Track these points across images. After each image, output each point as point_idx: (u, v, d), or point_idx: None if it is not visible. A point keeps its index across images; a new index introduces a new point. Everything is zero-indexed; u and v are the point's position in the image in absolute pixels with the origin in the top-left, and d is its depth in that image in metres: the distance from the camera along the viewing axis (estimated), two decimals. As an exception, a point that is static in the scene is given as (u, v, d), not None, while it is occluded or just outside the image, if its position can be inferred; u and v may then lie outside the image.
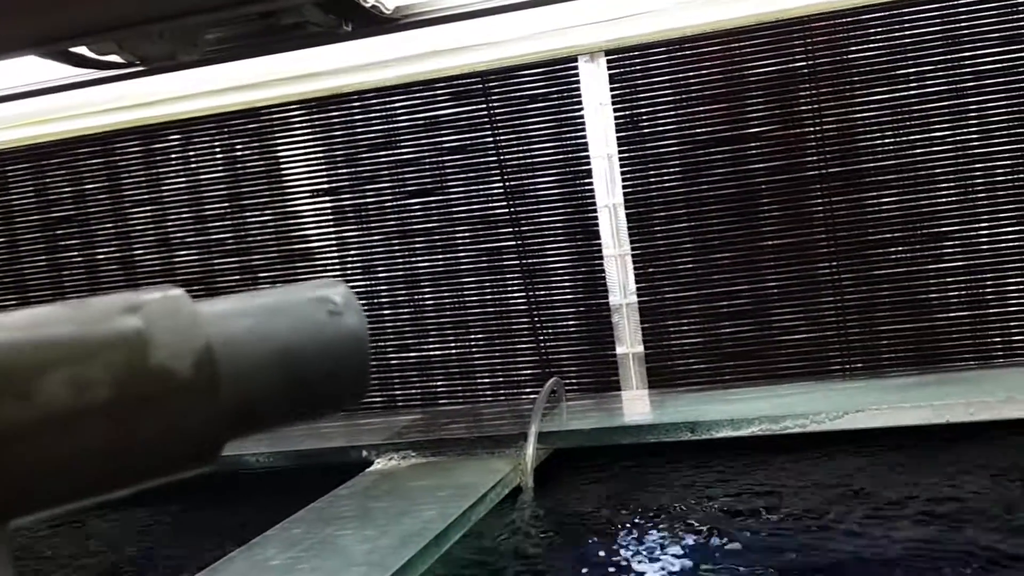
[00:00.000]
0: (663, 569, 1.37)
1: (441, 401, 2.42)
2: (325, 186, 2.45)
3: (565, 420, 2.03)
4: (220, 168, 2.51)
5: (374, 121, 2.39)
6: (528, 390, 2.33)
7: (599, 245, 2.28)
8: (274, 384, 0.38)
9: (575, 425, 1.97)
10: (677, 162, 2.22)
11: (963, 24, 2.04)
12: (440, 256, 2.38)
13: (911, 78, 2.08)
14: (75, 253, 2.61)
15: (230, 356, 0.37)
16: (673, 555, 1.41)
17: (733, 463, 1.83)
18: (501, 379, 2.38)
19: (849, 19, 2.09)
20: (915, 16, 2.06)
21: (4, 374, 0.30)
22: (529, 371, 2.36)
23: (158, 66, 1.40)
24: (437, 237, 2.38)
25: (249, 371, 0.37)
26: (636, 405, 2.19)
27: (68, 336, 0.32)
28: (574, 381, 2.32)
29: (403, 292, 2.42)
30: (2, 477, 0.31)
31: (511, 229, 2.32)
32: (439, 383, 2.42)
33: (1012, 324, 2.08)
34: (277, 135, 2.46)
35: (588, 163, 2.26)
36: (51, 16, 1.15)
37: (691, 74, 2.19)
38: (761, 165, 2.17)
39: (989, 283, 2.09)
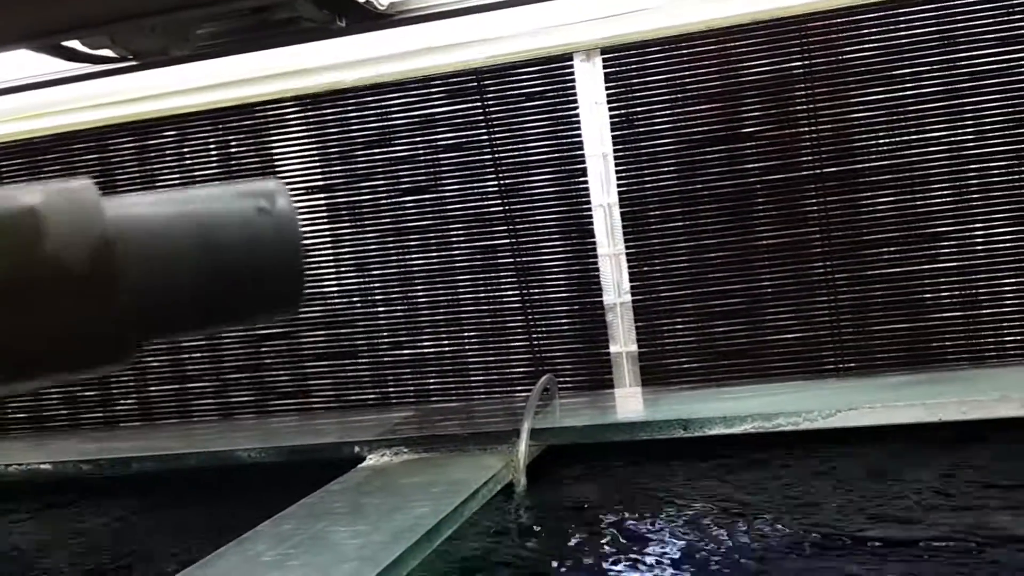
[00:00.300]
0: (654, 565, 1.37)
1: (434, 398, 2.42)
2: (319, 183, 2.45)
3: (558, 417, 2.03)
4: (214, 164, 2.51)
5: (369, 118, 2.39)
6: (521, 387, 2.33)
7: (594, 244, 2.28)
8: (190, 282, 0.34)
9: (568, 422, 1.97)
10: (672, 161, 2.22)
11: (960, 25, 2.04)
12: (434, 253, 2.38)
13: (907, 79, 2.08)
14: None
15: (137, 251, 0.34)
16: (665, 552, 1.41)
17: (727, 460, 1.83)
18: (495, 376, 2.38)
19: (845, 19, 2.09)
20: (911, 17, 2.06)
21: None
22: (522, 368, 2.36)
23: (150, 61, 1.40)
24: (432, 234, 2.38)
25: (158, 266, 0.34)
26: (629, 402, 2.19)
27: None
28: (568, 379, 2.32)
29: (397, 289, 2.41)
30: None
31: (506, 227, 2.32)
32: (433, 380, 2.42)
33: (1005, 324, 2.08)
34: (272, 131, 2.46)
35: (583, 162, 2.26)
36: (43, 10, 1.15)
37: (687, 73, 2.19)
38: (756, 165, 2.17)
39: (983, 284, 2.09)
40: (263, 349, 2.53)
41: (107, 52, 1.40)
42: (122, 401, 2.65)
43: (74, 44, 1.43)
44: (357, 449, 2.00)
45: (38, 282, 0.31)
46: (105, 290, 0.32)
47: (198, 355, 2.58)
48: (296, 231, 0.37)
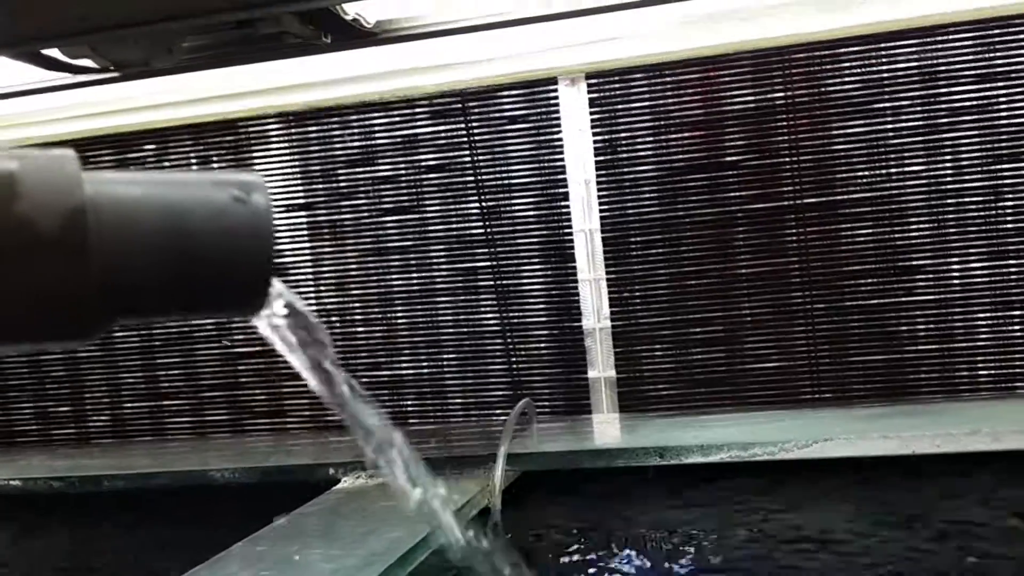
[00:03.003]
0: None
1: (412, 421, 2.40)
2: (301, 201, 2.44)
3: (535, 442, 2.02)
4: (195, 179, 2.49)
5: (352, 136, 2.39)
6: (500, 411, 2.32)
7: (574, 268, 2.28)
8: (158, 262, 0.34)
9: (545, 447, 1.96)
10: (654, 188, 2.22)
11: (940, 61, 2.06)
12: (415, 275, 2.38)
13: (887, 112, 2.10)
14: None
15: (110, 223, 0.33)
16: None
17: (696, 489, 1.82)
18: (472, 400, 2.37)
19: (827, 51, 2.10)
20: (892, 51, 2.08)
21: None
22: (501, 392, 2.35)
23: (132, 72, 1.39)
24: (412, 255, 2.37)
25: (130, 243, 0.33)
26: (607, 429, 2.18)
27: None
28: (546, 404, 2.31)
29: (377, 310, 2.40)
30: None
31: (487, 250, 2.32)
32: (410, 403, 2.40)
33: (978, 358, 2.10)
34: (254, 147, 2.45)
35: (566, 186, 2.26)
36: (23, 16, 1.14)
37: (670, 101, 2.20)
38: (737, 194, 2.18)
39: (958, 317, 2.10)
40: (240, 367, 2.51)
41: (88, 62, 1.38)
42: (95, 417, 2.62)
43: (54, 53, 1.42)
44: (332, 471, 1.98)
45: (7, 243, 0.31)
46: (75, 259, 0.32)
47: (174, 372, 2.55)
48: (269, 227, 0.36)
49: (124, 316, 0.34)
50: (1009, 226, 2.06)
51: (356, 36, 1.39)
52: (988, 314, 2.08)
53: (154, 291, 0.33)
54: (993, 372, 2.09)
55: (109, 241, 0.31)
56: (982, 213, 2.07)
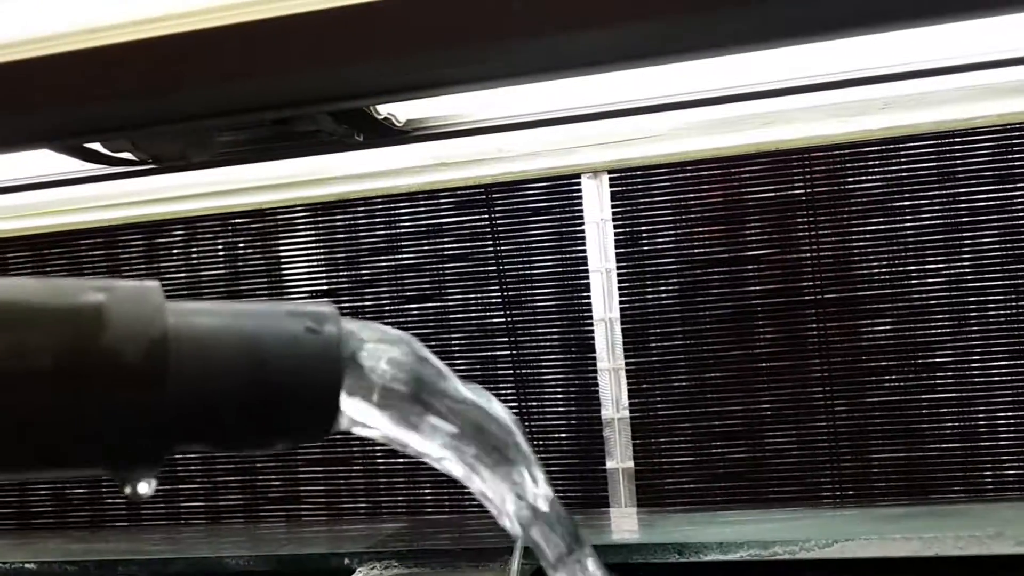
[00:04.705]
0: None
1: (428, 510, 2.38)
2: (324, 287, 2.46)
3: (553, 536, 2.00)
4: (221, 265, 2.53)
5: (377, 225, 2.42)
6: (516, 502, 2.30)
7: (594, 358, 2.29)
8: (232, 390, 0.35)
9: (563, 542, 1.94)
10: (675, 280, 2.24)
11: (958, 161, 2.09)
12: (434, 362, 2.38)
13: (907, 211, 2.12)
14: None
15: (189, 353, 0.35)
16: None
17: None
18: (489, 489, 2.35)
19: (848, 151, 2.14)
20: (912, 152, 2.11)
21: None
22: (518, 483, 2.33)
23: (169, 165, 1.43)
24: (433, 342, 2.38)
25: (207, 373, 0.35)
26: (624, 523, 2.16)
27: (25, 302, 0.31)
28: (562, 495, 2.29)
29: (395, 396, 2.40)
30: None
31: (507, 338, 2.33)
32: (427, 491, 2.39)
33: (1004, 458, 2.08)
34: (280, 235, 2.49)
35: (587, 277, 2.28)
36: (70, 112, 1.18)
37: (691, 196, 2.23)
38: (757, 287, 2.19)
39: (981, 416, 2.09)
40: (257, 452, 2.51)
41: (127, 155, 1.42)
42: (110, 501, 2.61)
43: (95, 146, 1.46)
44: (347, 561, 1.96)
45: (92, 373, 0.32)
46: (155, 389, 0.34)
47: (190, 455, 2.55)
48: (339, 355, 0.38)
49: (193, 444, 0.35)
50: (1031, 326, 2.06)
51: (387, 134, 1.43)
52: (1012, 413, 2.07)
53: (225, 420, 0.34)
54: (1020, 472, 2.06)
55: (187, 370, 0.33)
56: (1003, 312, 2.08)
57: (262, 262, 2.50)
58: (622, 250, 2.26)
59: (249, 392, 0.35)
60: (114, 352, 0.32)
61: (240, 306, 0.37)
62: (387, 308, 2.41)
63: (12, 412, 0.31)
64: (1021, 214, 2.06)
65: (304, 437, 0.38)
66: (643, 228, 2.25)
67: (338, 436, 2.29)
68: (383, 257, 2.43)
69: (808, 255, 2.16)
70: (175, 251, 2.55)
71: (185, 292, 2.53)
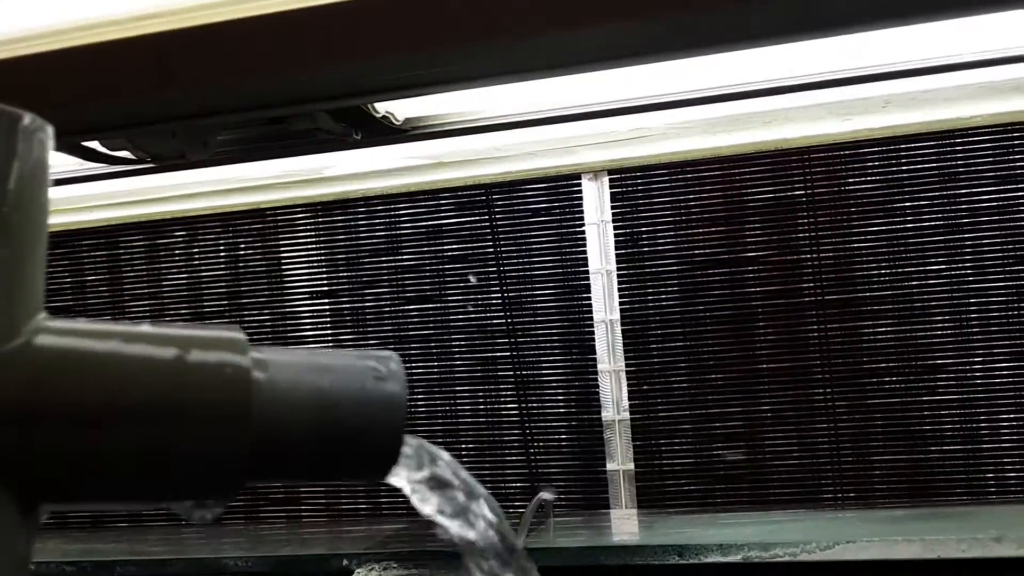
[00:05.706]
0: None
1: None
2: (325, 288, 2.46)
3: (552, 537, 1.99)
4: (222, 266, 2.53)
5: (377, 226, 2.42)
6: (517, 503, 2.30)
7: (594, 360, 2.28)
8: (305, 430, 0.37)
9: (562, 542, 1.94)
10: (675, 282, 2.24)
11: (959, 162, 2.08)
12: (435, 363, 2.38)
13: (907, 211, 2.11)
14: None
15: (268, 396, 0.37)
16: None
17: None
18: (490, 490, 2.34)
19: (848, 152, 2.13)
20: (912, 152, 2.10)
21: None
22: (518, 483, 2.33)
23: (167, 164, 1.43)
24: (433, 344, 2.38)
25: (284, 414, 0.37)
26: (625, 525, 2.15)
27: (121, 352, 0.33)
28: (563, 496, 2.29)
29: (395, 398, 2.40)
30: (50, 456, 0.32)
31: (507, 340, 2.33)
32: (426, 492, 2.38)
33: (1006, 461, 2.07)
34: (281, 236, 2.49)
35: (587, 278, 2.28)
36: (69, 111, 1.18)
37: (691, 197, 2.22)
38: (758, 289, 2.19)
39: (983, 418, 2.08)
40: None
41: (125, 154, 1.42)
42: (110, 500, 2.61)
43: (93, 144, 1.46)
44: (346, 562, 1.96)
45: (178, 413, 0.35)
46: (238, 428, 0.36)
47: (190, 456, 2.55)
48: (403, 401, 0.41)
49: (265, 479, 0.38)
50: (1032, 327, 2.05)
51: (385, 133, 1.43)
52: (1013, 414, 2.06)
53: (295, 455, 0.36)
54: (1022, 475, 2.06)
55: (267, 411, 0.35)
56: (1005, 313, 2.07)
57: (262, 263, 2.50)
58: (622, 251, 2.26)
59: (319, 433, 0.37)
60: (199, 389, 0.34)
61: (315, 353, 0.39)
62: (387, 309, 2.41)
63: (115, 442, 0.34)
64: (1023, 215, 2.06)
65: (370, 475, 0.41)
66: (643, 230, 2.25)
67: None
68: (383, 258, 2.42)
69: (808, 256, 2.16)
70: (176, 251, 2.55)
71: (186, 293, 2.53)
